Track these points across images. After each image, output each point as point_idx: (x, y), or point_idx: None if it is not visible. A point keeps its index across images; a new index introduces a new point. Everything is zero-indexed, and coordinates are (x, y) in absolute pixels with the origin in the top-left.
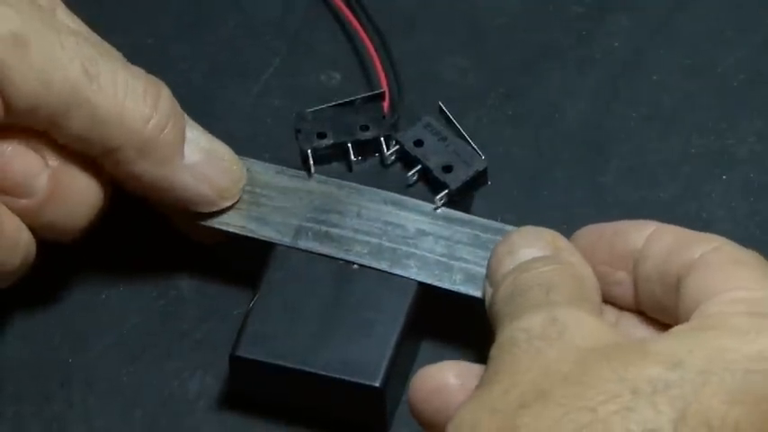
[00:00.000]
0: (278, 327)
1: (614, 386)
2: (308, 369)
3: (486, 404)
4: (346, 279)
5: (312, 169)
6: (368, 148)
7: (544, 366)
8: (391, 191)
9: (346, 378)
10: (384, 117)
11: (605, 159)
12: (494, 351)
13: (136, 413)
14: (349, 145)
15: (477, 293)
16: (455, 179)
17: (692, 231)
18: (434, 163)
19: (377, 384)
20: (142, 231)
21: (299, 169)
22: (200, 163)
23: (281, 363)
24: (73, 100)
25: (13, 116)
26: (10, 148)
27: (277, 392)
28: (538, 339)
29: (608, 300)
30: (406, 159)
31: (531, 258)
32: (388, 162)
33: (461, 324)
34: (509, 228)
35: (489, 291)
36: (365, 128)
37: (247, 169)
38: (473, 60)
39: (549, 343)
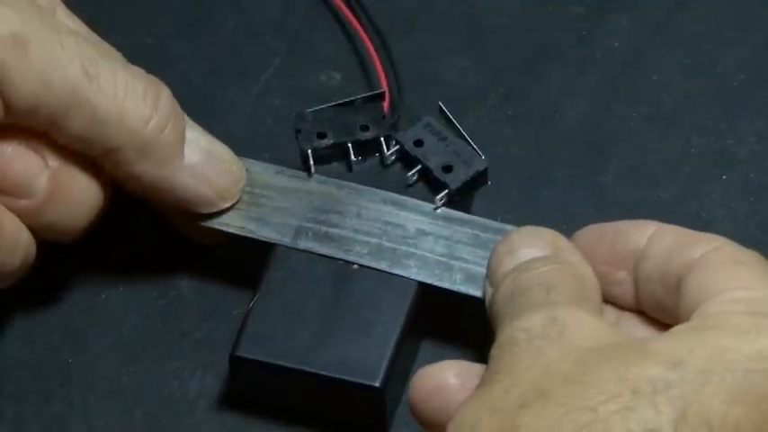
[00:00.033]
0: (278, 327)
1: (614, 386)
2: (307, 369)
3: (487, 404)
4: (346, 279)
5: (312, 169)
6: (368, 148)
7: (544, 366)
8: (391, 191)
9: (346, 378)
10: (384, 117)
11: (605, 159)
12: (494, 351)
13: (136, 413)
14: (349, 145)
15: (478, 293)
16: (455, 179)
17: (692, 231)
18: (434, 163)
19: (377, 384)
20: (142, 231)
21: (298, 169)
22: (200, 163)
23: (280, 363)
24: (73, 100)
25: (12, 116)
26: (10, 148)
27: (277, 392)
28: (538, 339)
29: (608, 300)
30: (406, 159)
31: (532, 258)
32: (388, 162)
33: (461, 324)
34: (509, 228)
35: (489, 290)
36: (365, 128)
37: (247, 170)
38: (473, 60)
39: (550, 343)
